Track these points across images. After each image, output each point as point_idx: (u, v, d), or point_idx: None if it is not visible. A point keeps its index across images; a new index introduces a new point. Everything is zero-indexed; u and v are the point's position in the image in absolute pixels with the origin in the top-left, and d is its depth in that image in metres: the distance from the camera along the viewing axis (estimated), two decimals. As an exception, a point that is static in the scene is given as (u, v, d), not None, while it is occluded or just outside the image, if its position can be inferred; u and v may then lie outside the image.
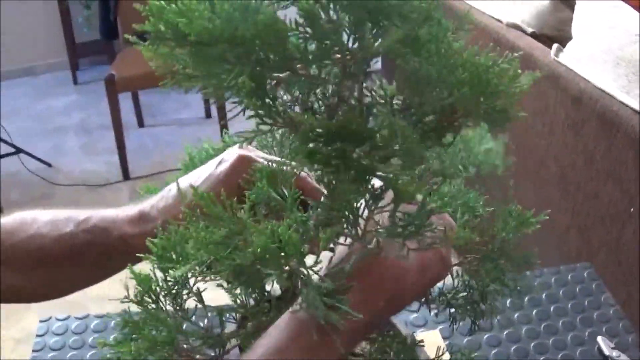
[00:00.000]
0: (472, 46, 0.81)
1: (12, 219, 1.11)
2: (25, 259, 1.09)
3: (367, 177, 0.81)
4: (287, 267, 0.81)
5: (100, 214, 1.10)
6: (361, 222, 0.86)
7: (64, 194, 4.45)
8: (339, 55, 0.77)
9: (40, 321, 1.53)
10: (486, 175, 0.91)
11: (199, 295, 0.95)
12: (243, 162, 1.03)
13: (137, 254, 0.93)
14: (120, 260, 1.05)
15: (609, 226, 2.41)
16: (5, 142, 4.56)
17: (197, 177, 1.07)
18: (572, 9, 2.95)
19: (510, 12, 3.15)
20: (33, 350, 1.47)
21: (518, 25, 3.09)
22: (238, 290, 0.97)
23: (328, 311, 0.79)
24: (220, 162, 1.07)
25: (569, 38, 2.81)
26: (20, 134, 4.92)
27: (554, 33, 3.03)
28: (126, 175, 4.58)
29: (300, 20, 0.74)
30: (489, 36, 3.06)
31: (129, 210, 1.10)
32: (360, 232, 0.86)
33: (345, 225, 0.86)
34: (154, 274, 0.91)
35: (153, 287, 0.91)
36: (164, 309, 0.92)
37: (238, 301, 1.02)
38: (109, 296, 3.19)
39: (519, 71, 0.80)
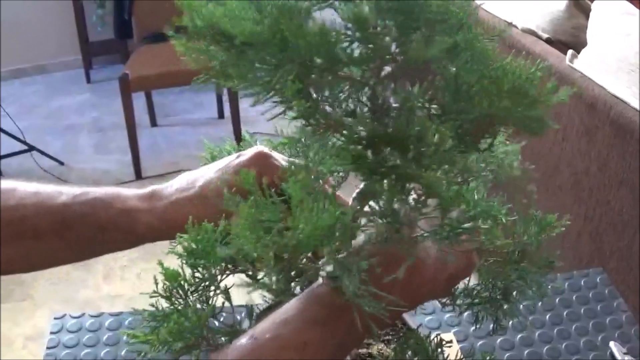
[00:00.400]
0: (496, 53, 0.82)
1: None
2: (3, 230, 1.03)
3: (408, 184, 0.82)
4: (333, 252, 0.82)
5: (103, 189, 1.07)
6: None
7: (76, 192, 4.44)
8: (381, 60, 0.78)
9: (55, 318, 1.53)
10: (507, 182, 0.92)
11: (226, 293, 0.95)
12: (261, 157, 1.03)
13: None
14: (116, 236, 1.04)
15: (621, 232, 2.41)
16: (18, 139, 4.58)
17: (215, 167, 1.06)
18: (587, 15, 2.95)
19: (526, 17, 3.15)
20: (47, 347, 1.46)
21: (533, 31, 3.10)
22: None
23: (372, 300, 0.80)
24: (238, 155, 1.06)
25: (584, 44, 2.81)
26: (33, 131, 4.95)
27: (569, 39, 3.04)
28: (138, 175, 4.59)
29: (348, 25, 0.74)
30: (504, 41, 3.06)
31: (139, 189, 1.07)
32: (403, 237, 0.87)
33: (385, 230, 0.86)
34: (182, 269, 0.92)
35: (181, 283, 0.91)
36: (191, 305, 0.92)
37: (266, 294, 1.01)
38: (119, 295, 3.23)
39: (554, 83, 0.81)
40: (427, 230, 0.88)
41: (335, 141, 0.84)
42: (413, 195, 0.86)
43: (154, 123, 5.27)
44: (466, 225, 0.87)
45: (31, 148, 4.60)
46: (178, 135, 5.13)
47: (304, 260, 0.89)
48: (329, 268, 0.85)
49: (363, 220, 0.87)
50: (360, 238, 0.87)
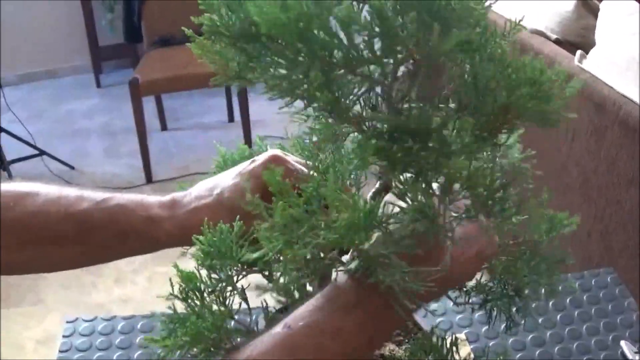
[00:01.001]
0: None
1: (10, 191, 1.06)
2: (23, 235, 1.05)
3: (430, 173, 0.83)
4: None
5: (126, 196, 1.08)
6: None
7: (86, 196, 4.45)
8: (401, 55, 0.79)
9: (67, 322, 1.54)
10: (518, 180, 0.93)
11: (243, 293, 0.96)
12: (274, 160, 1.05)
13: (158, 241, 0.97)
14: (136, 242, 1.06)
15: (631, 232, 2.41)
16: (29, 144, 4.60)
17: (231, 174, 1.08)
18: (596, 16, 2.95)
19: (534, 18, 3.15)
20: (59, 351, 1.46)
21: (542, 32, 3.10)
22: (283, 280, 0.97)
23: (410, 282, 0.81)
24: (252, 161, 1.08)
25: (593, 44, 2.81)
26: (43, 136, 4.97)
27: (578, 39, 3.04)
28: (149, 179, 4.60)
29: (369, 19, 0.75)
30: (513, 42, 3.06)
31: (159, 197, 1.09)
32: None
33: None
34: (198, 272, 0.92)
35: (197, 284, 0.92)
36: (208, 306, 0.93)
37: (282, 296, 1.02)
38: (130, 298, 3.23)
39: (564, 76, 0.82)
40: (456, 213, 0.88)
41: (356, 135, 0.85)
42: (435, 185, 0.87)
43: (164, 127, 5.29)
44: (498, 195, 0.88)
45: (41, 152, 4.61)
46: (188, 139, 5.14)
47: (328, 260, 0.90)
48: (353, 264, 0.86)
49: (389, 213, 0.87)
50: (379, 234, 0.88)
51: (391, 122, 0.79)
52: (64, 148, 4.99)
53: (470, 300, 1.07)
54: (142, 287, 3.53)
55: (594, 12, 2.99)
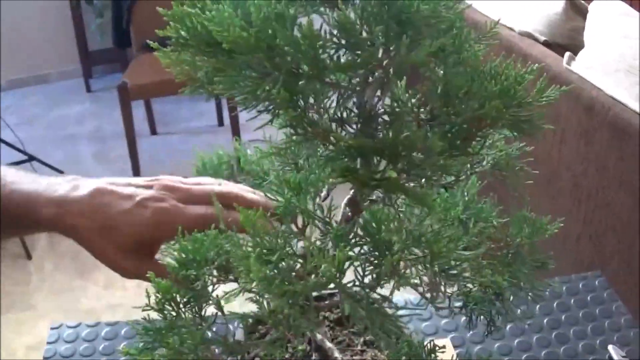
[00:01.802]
0: (492, 56, 0.82)
1: None
2: None
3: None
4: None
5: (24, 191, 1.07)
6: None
7: (76, 201, 4.45)
8: (369, 66, 0.78)
9: (51, 328, 1.53)
10: (500, 182, 0.92)
11: (218, 304, 0.95)
12: (166, 189, 1.08)
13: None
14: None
15: (621, 235, 2.40)
16: (18, 149, 4.58)
17: (128, 196, 1.05)
18: (584, 17, 2.95)
19: (523, 20, 3.15)
20: (44, 358, 1.46)
21: (530, 34, 3.10)
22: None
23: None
24: (148, 187, 1.08)
25: (581, 46, 2.81)
26: (33, 141, 4.95)
27: (566, 41, 3.03)
28: (138, 183, 4.56)
29: (334, 31, 0.74)
30: (501, 44, 3.06)
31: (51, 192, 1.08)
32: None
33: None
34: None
35: (173, 295, 0.90)
36: (184, 317, 0.91)
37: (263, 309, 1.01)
38: (120, 304, 3.22)
39: (544, 83, 0.81)
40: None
41: (323, 150, 0.84)
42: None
43: (153, 131, 5.28)
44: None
45: (31, 158, 4.60)
46: (178, 144, 5.13)
47: None
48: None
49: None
50: None
51: (357, 140, 0.78)
52: (54, 153, 4.98)
53: (450, 305, 1.06)
54: (133, 292, 3.51)
55: (583, 13, 2.99)
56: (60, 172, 4.70)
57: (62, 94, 6.06)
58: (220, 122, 5.36)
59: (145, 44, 4.47)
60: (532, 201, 1.01)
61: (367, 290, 0.84)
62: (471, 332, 1.47)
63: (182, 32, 0.77)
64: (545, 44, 3.04)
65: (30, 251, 3.92)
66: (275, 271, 0.80)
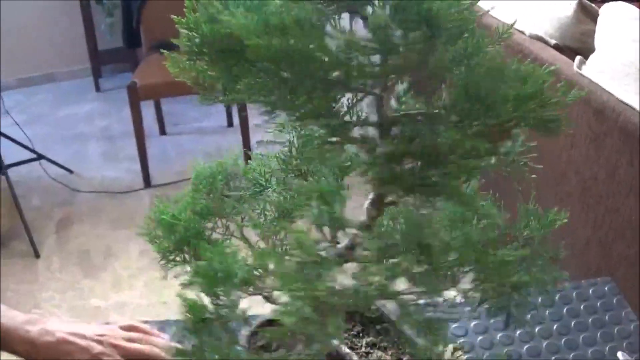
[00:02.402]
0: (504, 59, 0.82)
1: None
2: None
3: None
4: None
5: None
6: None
7: (84, 200, 4.47)
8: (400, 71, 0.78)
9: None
10: (506, 180, 0.92)
11: (245, 319, 0.94)
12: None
13: None
14: None
15: (630, 240, 2.40)
16: (27, 148, 4.59)
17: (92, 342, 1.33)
18: (595, 21, 2.94)
19: (533, 24, 3.14)
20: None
21: (541, 37, 3.09)
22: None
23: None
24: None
25: (592, 50, 2.80)
26: (42, 140, 4.97)
27: (577, 45, 3.03)
28: (147, 183, 4.59)
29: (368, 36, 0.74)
30: (512, 48, 3.05)
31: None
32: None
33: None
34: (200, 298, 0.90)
35: (206, 315, 0.89)
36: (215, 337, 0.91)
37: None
38: (127, 303, 3.20)
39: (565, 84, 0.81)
40: None
41: (354, 155, 0.83)
42: None
43: (163, 131, 5.28)
44: None
45: (40, 156, 4.61)
46: (187, 144, 5.13)
47: None
48: None
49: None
50: None
51: (398, 146, 0.78)
52: (63, 152, 4.99)
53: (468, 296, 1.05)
54: (140, 292, 3.52)
55: (594, 17, 2.98)
56: (70, 171, 4.71)
57: (71, 93, 6.06)
58: (230, 123, 5.35)
59: (155, 44, 4.49)
60: (541, 204, 1.01)
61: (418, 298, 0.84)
62: (481, 338, 1.47)
63: (197, 40, 0.77)
64: (556, 47, 3.03)
65: (39, 250, 3.92)
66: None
